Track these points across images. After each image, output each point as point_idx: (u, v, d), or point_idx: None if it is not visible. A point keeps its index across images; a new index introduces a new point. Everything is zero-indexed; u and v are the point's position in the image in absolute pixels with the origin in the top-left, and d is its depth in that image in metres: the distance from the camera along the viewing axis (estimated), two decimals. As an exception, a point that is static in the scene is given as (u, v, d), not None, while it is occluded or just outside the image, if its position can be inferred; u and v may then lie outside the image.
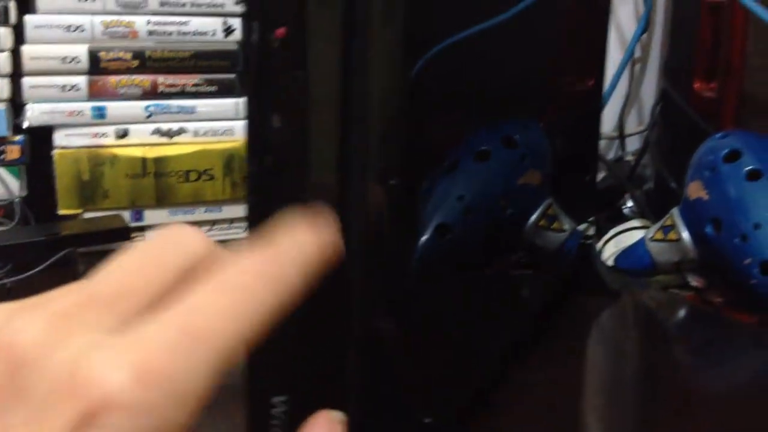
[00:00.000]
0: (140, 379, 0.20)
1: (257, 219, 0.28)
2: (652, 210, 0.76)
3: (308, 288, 0.24)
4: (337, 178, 0.27)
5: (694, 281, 0.62)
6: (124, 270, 0.24)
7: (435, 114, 0.41)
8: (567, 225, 0.58)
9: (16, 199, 0.66)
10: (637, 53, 0.93)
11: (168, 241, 0.24)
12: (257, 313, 0.23)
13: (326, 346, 0.28)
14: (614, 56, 0.89)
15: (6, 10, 0.64)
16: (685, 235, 0.61)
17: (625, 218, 0.80)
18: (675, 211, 0.63)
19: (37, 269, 0.59)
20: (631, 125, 0.94)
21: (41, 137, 0.66)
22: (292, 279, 0.24)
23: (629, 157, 0.87)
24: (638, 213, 0.79)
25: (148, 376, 0.20)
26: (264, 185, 0.29)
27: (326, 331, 0.28)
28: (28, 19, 0.65)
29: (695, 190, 0.61)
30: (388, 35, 0.27)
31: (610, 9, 0.89)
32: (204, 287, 0.23)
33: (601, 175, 0.86)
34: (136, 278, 0.23)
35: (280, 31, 0.26)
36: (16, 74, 0.65)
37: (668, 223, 0.63)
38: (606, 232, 0.74)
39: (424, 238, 0.43)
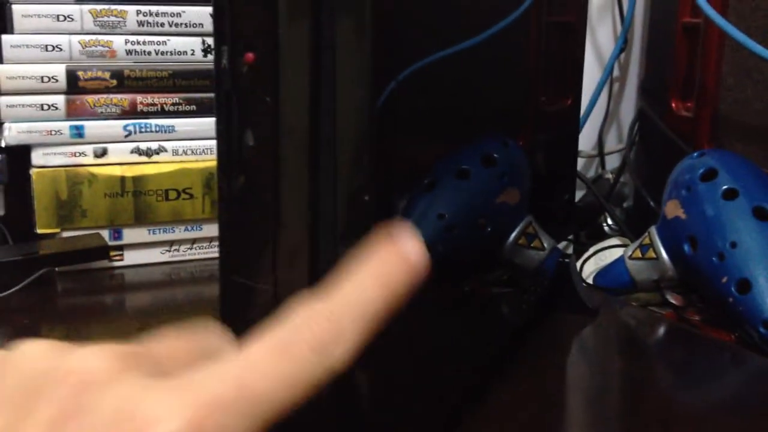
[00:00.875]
0: (193, 427, 0.20)
1: (229, 238, 0.28)
2: (631, 228, 0.77)
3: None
4: (308, 198, 0.27)
5: (672, 299, 0.62)
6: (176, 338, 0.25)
7: (412, 134, 0.41)
8: (547, 243, 0.58)
9: (-6, 219, 0.66)
10: (616, 72, 0.94)
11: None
12: (312, 380, 0.23)
13: None
14: (593, 75, 0.90)
15: (-17, 29, 0.64)
16: (663, 253, 0.61)
17: (606, 236, 0.80)
18: (653, 230, 0.63)
19: (15, 288, 0.59)
20: (611, 143, 0.95)
21: (19, 156, 0.66)
22: (349, 345, 0.23)
23: (609, 175, 0.87)
24: (618, 231, 0.79)
25: (200, 426, 0.20)
26: (235, 204, 0.29)
27: None
28: (5, 38, 0.64)
29: (672, 209, 0.61)
30: (357, 59, 0.27)
31: (588, 28, 0.90)
32: (262, 345, 0.23)
33: (581, 193, 0.87)
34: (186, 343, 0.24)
35: (249, 56, 0.26)
36: (-7, 93, 0.65)
37: (646, 241, 0.63)
38: (586, 250, 0.75)
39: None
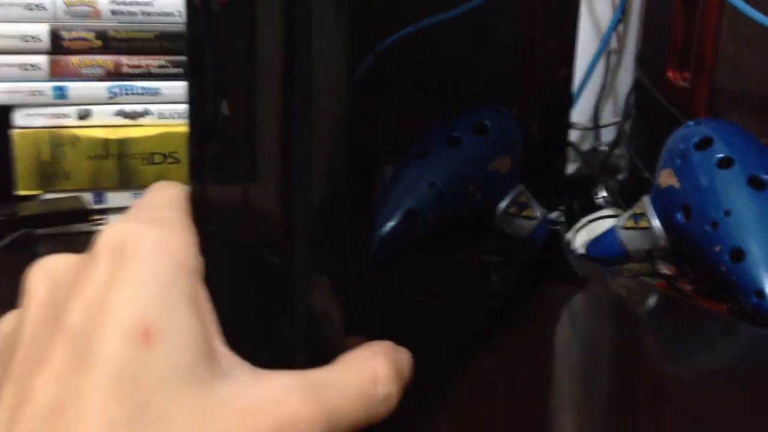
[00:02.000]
0: None
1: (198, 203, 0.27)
2: (625, 199, 0.76)
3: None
4: (282, 162, 0.26)
5: (664, 269, 0.61)
6: None
7: (402, 103, 0.40)
8: (538, 212, 0.57)
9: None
10: (614, 44, 0.92)
11: None
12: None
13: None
14: (590, 47, 0.89)
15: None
16: (656, 222, 0.60)
17: (599, 208, 0.79)
18: (646, 199, 0.62)
19: (-6, 249, 0.58)
20: (607, 116, 0.93)
21: (0, 117, 0.65)
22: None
23: (604, 147, 0.86)
24: (611, 202, 0.78)
25: None
26: (207, 170, 0.27)
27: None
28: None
29: (666, 178, 0.60)
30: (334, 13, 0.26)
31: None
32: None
33: (575, 166, 0.86)
34: None
35: None
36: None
37: (639, 210, 0.62)
38: (579, 221, 0.73)
39: (391, 224, 0.42)
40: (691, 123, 0.62)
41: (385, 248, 0.41)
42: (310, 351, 0.26)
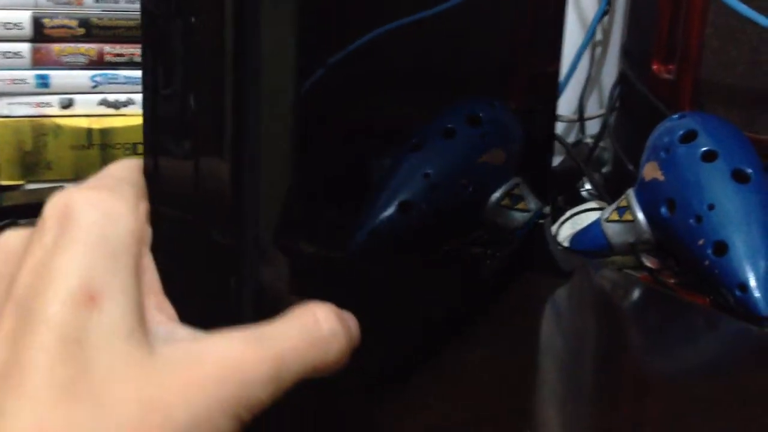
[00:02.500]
0: None
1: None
2: (609, 192, 0.76)
3: None
4: (231, 143, 0.26)
5: (648, 262, 0.61)
6: None
7: (392, 96, 0.39)
8: (533, 205, 0.57)
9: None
10: (599, 36, 0.93)
11: None
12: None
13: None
14: (575, 39, 0.89)
15: (-55, -28, 0.61)
16: (640, 215, 0.60)
17: (583, 201, 0.79)
18: (630, 192, 0.62)
19: None
20: (593, 108, 0.94)
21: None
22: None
23: (588, 140, 0.86)
24: (596, 195, 0.78)
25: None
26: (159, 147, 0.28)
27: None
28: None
29: (651, 171, 0.60)
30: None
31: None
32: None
33: (560, 158, 0.86)
34: None
35: None
36: (-45, 39, 0.63)
37: (623, 204, 0.62)
38: (563, 214, 0.74)
39: (385, 214, 0.42)
40: (675, 116, 0.62)
41: (378, 238, 0.41)
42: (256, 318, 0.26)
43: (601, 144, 0.84)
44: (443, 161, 0.46)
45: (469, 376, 0.43)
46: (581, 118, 0.91)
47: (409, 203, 0.42)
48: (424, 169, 0.44)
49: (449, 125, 0.46)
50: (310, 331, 0.25)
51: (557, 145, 0.83)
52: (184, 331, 0.24)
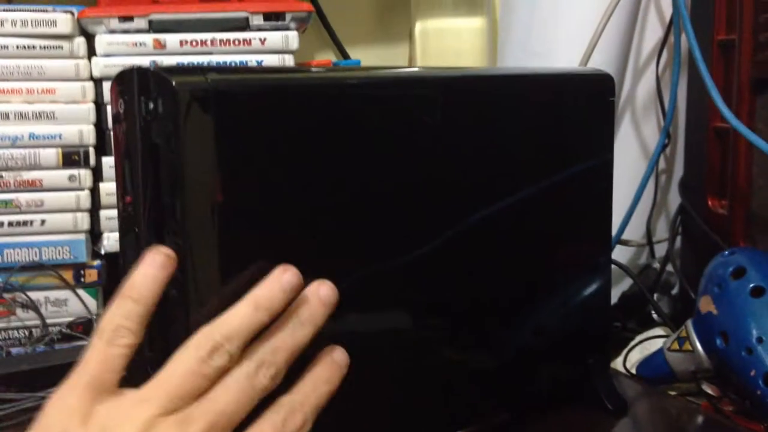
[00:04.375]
0: None
1: None
2: (678, 315, 0.81)
3: None
4: None
5: (709, 389, 0.66)
6: None
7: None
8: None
9: (94, 317, 0.74)
10: (663, 165, 0.99)
11: None
12: None
13: None
14: (641, 168, 0.95)
15: (86, 154, 0.73)
16: (699, 346, 0.66)
17: (654, 323, 0.84)
18: (689, 324, 0.68)
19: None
20: (661, 232, 0.99)
21: (116, 262, 0.75)
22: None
23: (656, 264, 0.92)
24: (664, 320, 0.83)
25: None
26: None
27: None
28: (105, 160, 0.74)
29: (705, 305, 0.66)
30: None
31: (633, 122, 0.95)
32: None
33: (629, 284, 0.91)
34: None
35: (128, 198, 0.42)
36: (94, 208, 0.75)
37: (683, 334, 0.67)
38: (633, 338, 0.79)
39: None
40: (726, 252, 0.68)
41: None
42: None
43: (669, 269, 0.89)
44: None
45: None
46: (649, 242, 0.96)
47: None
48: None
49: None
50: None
51: (625, 271, 0.89)
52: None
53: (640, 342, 0.77)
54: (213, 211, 0.41)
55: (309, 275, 0.43)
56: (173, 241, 0.40)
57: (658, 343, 0.74)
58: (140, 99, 0.40)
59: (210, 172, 0.40)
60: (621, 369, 0.73)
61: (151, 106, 0.40)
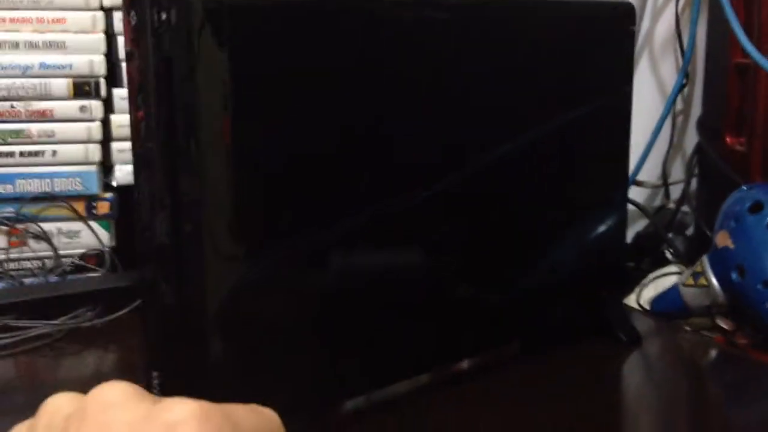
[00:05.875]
0: None
1: None
2: (692, 255, 0.80)
3: None
4: None
5: (723, 324, 0.66)
6: None
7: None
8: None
9: (106, 249, 0.74)
10: (680, 105, 0.98)
11: None
12: None
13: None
14: (657, 107, 0.94)
15: (97, 84, 0.73)
16: (714, 281, 0.65)
17: (668, 262, 0.84)
18: (704, 259, 0.67)
19: (123, 311, 0.66)
20: (676, 174, 0.98)
21: (127, 194, 0.74)
22: None
23: (672, 205, 0.91)
24: (678, 259, 0.83)
25: None
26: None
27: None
28: (116, 92, 0.73)
29: (722, 239, 0.65)
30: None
31: (650, 62, 0.94)
32: None
33: (644, 223, 0.91)
34: None
35: (140, 113, 0.41)
36: (105, 140, 0.74)
37: (698, 269, 0.67)
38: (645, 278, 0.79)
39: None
40: (744, 187, 0.67)
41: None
42: None
43: (683, 209, 0.89)
44: None
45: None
46: (665, 183, 0.95)
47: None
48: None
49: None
50: None
51: (640, 210, 0.88)
52: None
53: (654, 279, 0.77)
54: (226, 124, 0.40)
55: (326, 203, 0.43)
56: (185, 157, 0.40)
57: (671, 281, 0.74)
58: (152, 10, 0.40)
59: (223, 85, 0.40)
60: (634, 306, 0.73)
61: (164, 16, 0.39)
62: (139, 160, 0.42)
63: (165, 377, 0.42)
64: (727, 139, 0.76)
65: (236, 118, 0.40)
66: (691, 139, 0.98)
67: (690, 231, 0.90)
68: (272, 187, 0.42)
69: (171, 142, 0.40)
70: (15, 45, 0.71)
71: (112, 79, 0.74)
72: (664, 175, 0.96)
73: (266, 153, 0.42)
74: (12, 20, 0.71)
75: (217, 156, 0.40)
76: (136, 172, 0.42)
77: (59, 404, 0.28)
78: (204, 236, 0.40)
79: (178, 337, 0.42)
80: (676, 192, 0.96)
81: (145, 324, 0.44)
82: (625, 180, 0.67)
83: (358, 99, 0.46)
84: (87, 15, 0.72)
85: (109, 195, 0.75)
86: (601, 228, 0.62)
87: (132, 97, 0.42)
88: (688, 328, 0.67)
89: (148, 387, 0.43)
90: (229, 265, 0.41)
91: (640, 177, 0.93)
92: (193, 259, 0.40)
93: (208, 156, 0.40)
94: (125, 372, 0.60)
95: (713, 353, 0.63)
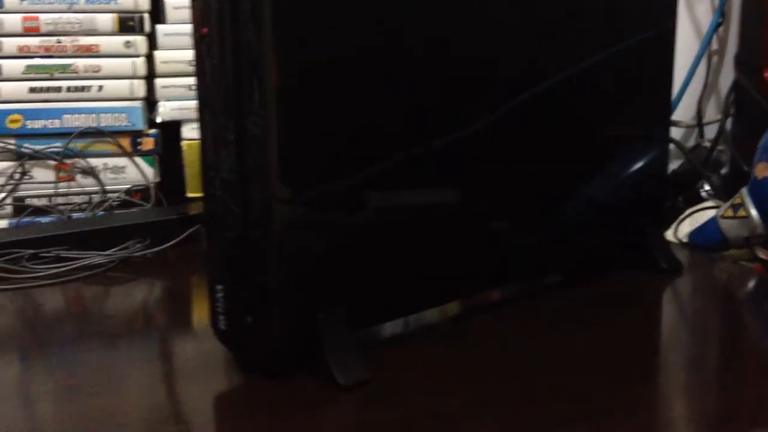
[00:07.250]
0: None
1: None
2: (727, 192, 0.81)
3: None
4: None
5: (762, 254, 0.67)
6: None
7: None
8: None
9: (151, 184, 0.76)
10: (715, 45, 0.97)
11: None
12: None
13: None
14: (692, 47, 0.94)
15: (141, 20, 0.74)
16: (753, 212, 0.66)
17: (702, 200, 0.85)
18: (744, 190, 0.68)
19: (170, 243, 0.68)
20: (711, 114, 0.98)
21: (172, 130, 0.76)
22: None
23: (706, 144, 0.91)
24: (714, 195, 0.83)
25: None
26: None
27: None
28: (160, 28, 0.74)
29: (762, 170, 0.66)
30: None
31: (686, 2, 0.93)
32: None
33: (680, 161, 0.91)
34: None
35: (204, 30, 0.41)
36: (150, 76, 0.75)
37: (738, 201, 0.68)
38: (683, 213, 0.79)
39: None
40: (785, 120, 0.67)
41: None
42: None
43: (719, 147, 0.89)
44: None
45: (595, 357, 0.49)
46: (699, 123, 0.95)
47: None
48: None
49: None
50: None
51: (677, 149, 0.89)
52: None
53: (691, 214, 0.78)
54: (292, 41, 0.41)
55: (373, 138, 0.44)
56: (249, 73, 0.40)
57: (708, 215, 0.75)
58: None
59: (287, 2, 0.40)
60: (672, 239, 0.74)
61: None
62: (203, 102, 0.43)
63: (228, 290, 0.44)
64: (766, 75, 0.76)
65: (299, 32, 0.41)
66: (726, 79, 0.98)
67: (725, 170, 0.90)
68: (329, 122, 0.43)
69: (234, 55, 0.40)
70: (61, -20, 0.72)
71: (156, 15, 0.75)
72: (699, 114, 0.96)
73: (326, 90, 0.43)
74: (57, -43, 0.72)
75: (282, 95, 0.41)
76: (201, 112, 0.43)
77: None
78: (266, 171, 0.41)
79: (241, 257, 0.43)
80: (710, 132, 0.96)
81: (210, 247, 0.45)
82: (667, 115, 0.67)
83: (403, 41, 0.46)
84: (131, -49, 0.73)
85: (153, 131, 0.76)
86: (643, 161, 0.63)
87: (197, 35, 0.42)
88: (726, 259, 0.68)
89: (211, 297, 0.45)
90: (287, 195, 0.42)
91: (675, 116, 0.93)
92: (257, 192, 0.41)
93: (271, 96, 0.40)
94: (172, 300, 0.62)
95: (752, 282, 0.64)
